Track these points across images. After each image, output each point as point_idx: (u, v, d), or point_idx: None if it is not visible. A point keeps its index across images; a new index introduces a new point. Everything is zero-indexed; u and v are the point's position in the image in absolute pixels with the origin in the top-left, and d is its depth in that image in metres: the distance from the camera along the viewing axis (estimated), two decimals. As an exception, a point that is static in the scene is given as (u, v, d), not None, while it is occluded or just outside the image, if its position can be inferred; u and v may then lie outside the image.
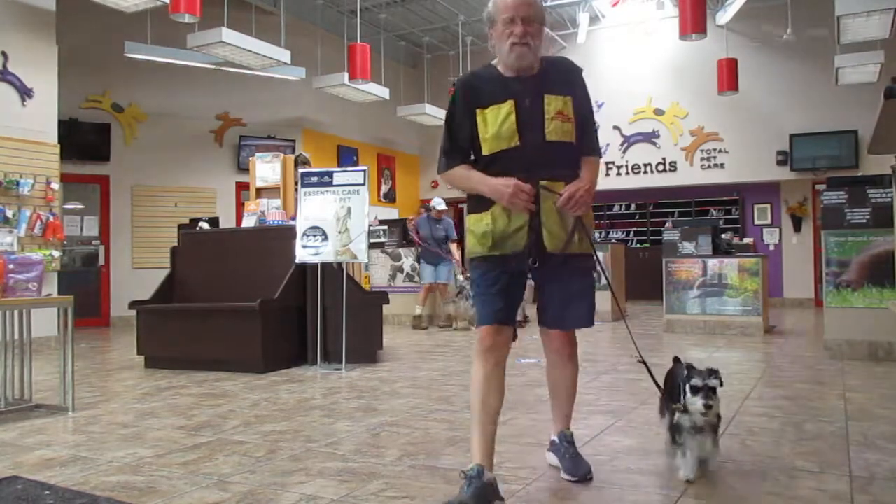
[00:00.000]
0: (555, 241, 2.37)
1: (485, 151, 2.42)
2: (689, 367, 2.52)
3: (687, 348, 6.54)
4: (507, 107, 2.37)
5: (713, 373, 2.45)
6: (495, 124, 2.37)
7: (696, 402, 2.42)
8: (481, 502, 2.20)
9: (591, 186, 2.40)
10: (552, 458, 2.72)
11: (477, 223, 2.43)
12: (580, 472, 2.58)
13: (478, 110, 2.41)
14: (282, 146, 10.88)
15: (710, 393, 2.41)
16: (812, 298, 12.19)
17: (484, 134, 2.40)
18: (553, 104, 2.39)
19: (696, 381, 2.43)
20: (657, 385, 2.64)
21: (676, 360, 2.73)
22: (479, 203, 2.43)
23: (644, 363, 2.57)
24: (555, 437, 2.69)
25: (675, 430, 2.52)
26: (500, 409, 2.40)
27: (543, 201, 2.36)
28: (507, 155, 2.38)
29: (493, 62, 2.51)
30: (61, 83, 7.72)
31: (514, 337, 2.46)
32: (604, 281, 9.29)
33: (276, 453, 3.02)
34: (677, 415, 2.50)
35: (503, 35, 2.38)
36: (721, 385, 2.46)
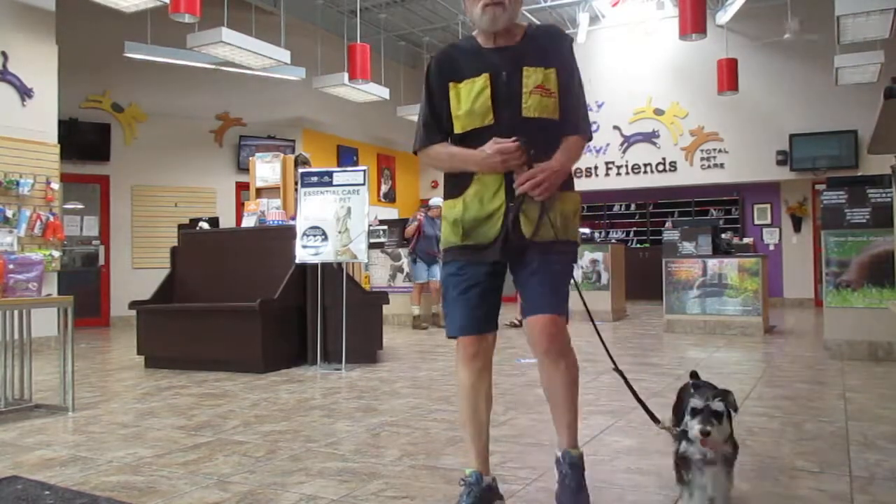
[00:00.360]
0: (531, 226, 2.14)
1: (457, 130, 2.21)
2: (696, 384, 2.18)
3: (687, 348, 6.55)
4: (482, 81, 2.14)
5: (721, 394, 2.05)
6: (468, 100, 2.15)
7: (693, 427, 2.02)
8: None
9: (561, 169, 2.13)
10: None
11: (450, 210, 2.23)
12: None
13: (451, 84, 2.20)
14: (282, 146, 10.88)
15: (710, 417, 2.00)
16: (812, 298, 12.19)
17: (456, 110, 2.19)
18: (532, 77, 2.13)
19: (696, 402, 2.05)
20: (634, 394, 2.25)
21: (693, 374, 2.35)
22: (455, 187, 2.23)
23: (619, 372, 2.24)
24: (558, 453, 2.25)
25: (681, 464, 2.10)
26: (490, 413, 2.28)
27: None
28: (480, 134, 2.15)
29: (474, 33, 2.29)
30: (61, 83, 7.71)
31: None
32: (604, 280, 9.39)
33: (276, 453, 3.02)
34: (683, 444, 2.08)
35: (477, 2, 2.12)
36: (735, 410, 2.07)
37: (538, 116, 2.14)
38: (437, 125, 2.26)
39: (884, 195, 5.60)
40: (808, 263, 12.39)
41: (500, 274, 2.27)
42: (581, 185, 13.25)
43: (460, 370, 2.24)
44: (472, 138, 2.18)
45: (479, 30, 2.23)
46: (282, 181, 6.78)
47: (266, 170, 6.89)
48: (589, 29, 12.46)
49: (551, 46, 2.22)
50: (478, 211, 2.17)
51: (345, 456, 2.96)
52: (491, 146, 2.09)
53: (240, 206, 10.35)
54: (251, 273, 5.96)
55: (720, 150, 12.38)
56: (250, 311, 5.39)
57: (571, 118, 2.21)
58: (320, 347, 5.60)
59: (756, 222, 12.90)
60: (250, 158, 7.20)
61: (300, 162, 6.77)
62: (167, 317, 5.90)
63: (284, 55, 8.83)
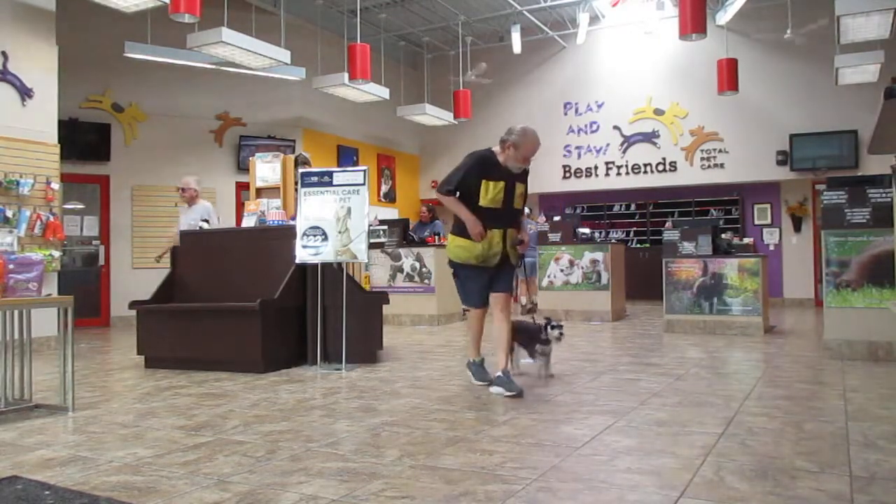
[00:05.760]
0: (514, 258, 4.56)
1: (481, 204, 4.30)
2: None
3: (687, 348, 6.54)
4: (502, 184, 4.33)
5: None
6: (493, 192, 4.30)
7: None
8: (485, 376, 4.56)
9: (527, 236, 4.69)
10: (497, 390, 4.29)
11: (471, 246, 4.36)
12: (513, 389, 4.20)
13: (483, 180, 4.29)
14: (282, 146, 10.87)
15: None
16: (812, 298, 12.19)
17: (485, 195, 4.29)
18: (519, 189, 4.44)
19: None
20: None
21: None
22: (464, 231, 4.35)
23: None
24: (499, 373, 4.34)
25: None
26: (482, 333, 4.65)
27: (509, 238, 4.45)
28: (492, 211, 4.33)
29: (495, 150, 4.37)
30: (61, 83, 7.71)
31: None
32: (604, 280, 9.40)
33: (276, 453, 3.02)
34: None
35: (517, 158, 4.31)
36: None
37: (518, 208, 4.49)
38: (460, 186, 4.34)
39: (884, 195, 5.60)
40: (808, 263, 12.38)
41: (491, 275, 4.52)
42: (581, 184, 13.35)
43: (474, 318, 4.58)
44: (487, 211, 4.32)
45: (506, 162, 4.34)
46: (282, 181, 6.78)
47: (266, 170, 6.89)
48: (589, 29, 12.46)
49: (526, 177, 4.53)
50: (489, 250, 4.39)
51: (345, 456, 2.96)
52: (477, 225, 4.28)
53: (240, 206, 10.34)
54: (251, 273, 5.96)
55: (720, 150, 12.38)
56: (250, 311, 5.39)
57: (524, 207, 4.61)
58: (320, 347, 5.60)
59: (756, 222, 12.90)
60: (250, 158, 7.20)
61: (300, 162, 6.77)
62: (167, 317, 5.90)
63: (284, 55, 8.82)
